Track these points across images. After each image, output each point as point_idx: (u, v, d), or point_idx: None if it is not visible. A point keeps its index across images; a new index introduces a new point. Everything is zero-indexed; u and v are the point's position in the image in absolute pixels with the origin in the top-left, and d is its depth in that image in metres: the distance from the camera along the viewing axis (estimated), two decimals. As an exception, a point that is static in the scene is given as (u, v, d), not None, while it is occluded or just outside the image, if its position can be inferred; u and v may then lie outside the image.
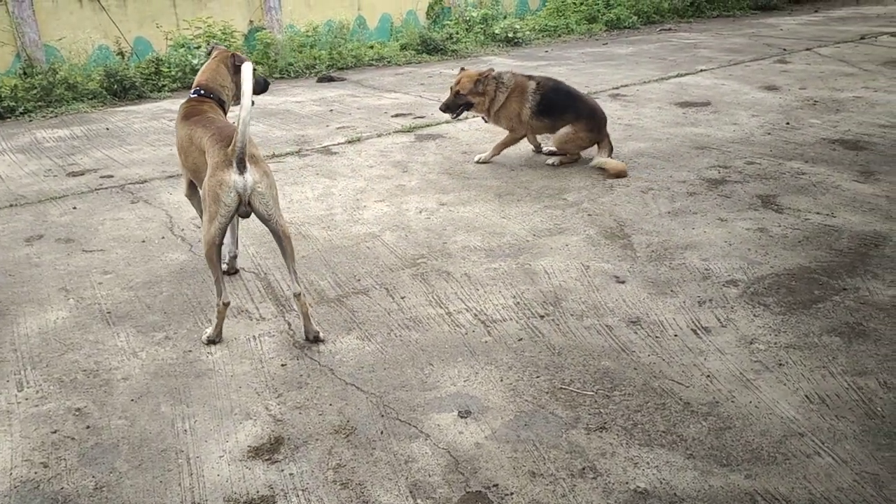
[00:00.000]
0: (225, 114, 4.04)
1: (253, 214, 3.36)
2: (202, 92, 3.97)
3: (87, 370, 3.37)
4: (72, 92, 9.31)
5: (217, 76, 4.06)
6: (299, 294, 3.47)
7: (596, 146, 6.04)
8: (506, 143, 6.14)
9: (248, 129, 3.19)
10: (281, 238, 3.44)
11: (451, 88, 5.93)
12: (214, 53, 4.17)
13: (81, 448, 2.85)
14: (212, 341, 3.56)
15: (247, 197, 3.28)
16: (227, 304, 3.50)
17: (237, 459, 2.76)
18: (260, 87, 4.32)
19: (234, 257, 4.29)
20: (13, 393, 3.21)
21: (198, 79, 4.05)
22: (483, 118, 6.27)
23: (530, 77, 5.99)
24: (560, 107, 5.90)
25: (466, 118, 7.31)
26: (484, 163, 6.16)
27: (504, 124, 6.05)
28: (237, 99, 3.98)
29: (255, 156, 3.37)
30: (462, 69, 6.03)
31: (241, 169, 3.24)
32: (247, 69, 3.28)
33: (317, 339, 3.54)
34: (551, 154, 6.26)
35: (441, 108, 6.02)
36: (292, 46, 11.39)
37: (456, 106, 5.91)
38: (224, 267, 4.14)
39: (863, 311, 3.60)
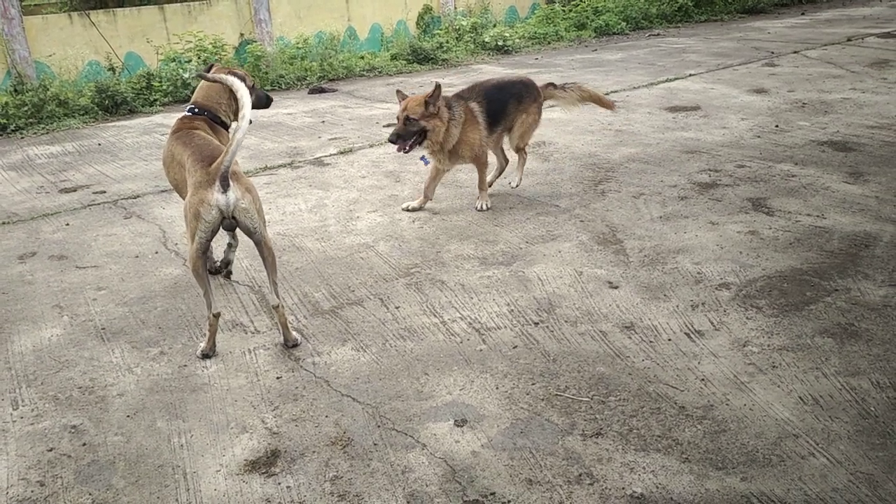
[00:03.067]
0: (226, 129, 4.11)
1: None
2: (196, 110, 4.03)
3: (83, 387, 3.37)
4: (63, 108, 9.32)
5: (213, 93, 4.11)
6: (277, 306, 3.56)
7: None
8: (485, 176, 5.39)
9: (238, 149, 3.23)
10: (264, 250, 3.52)
11: (398, 117, 4.92)
12: (213, 70, 4.19)
13: (78, 465, 2.84)
14: (206, 355, 3.57)
15: (230, 213, 3.35)
16: (217, 316, 3.52)
17: (234, 473, 2.76)
18: (262, 103, 4.44)
19: (229, 262, 4.41)
20: (8, 411, 3.20)
21: (194, 96, 4.11)
22: (425, 159, 5.30)
23: (464, 98, 5.19)
24: (502, 104, 5.34)
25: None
26: (485, 211, 5.31)
27: (468, 155, 5.17)
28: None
29: (237, 172, 3.44)
30: (398, 92, 5.13)
31: (225, 187, 3.31)
32: (244, 91, 3.33)
33: (296, 345, 3.62)
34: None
35: (390, 139, 4.91)
36: (283, 58, 11.43)
37: (409, 134, 4.84)
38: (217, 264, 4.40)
39: (854, 311, 3.62)
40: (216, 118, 4.09)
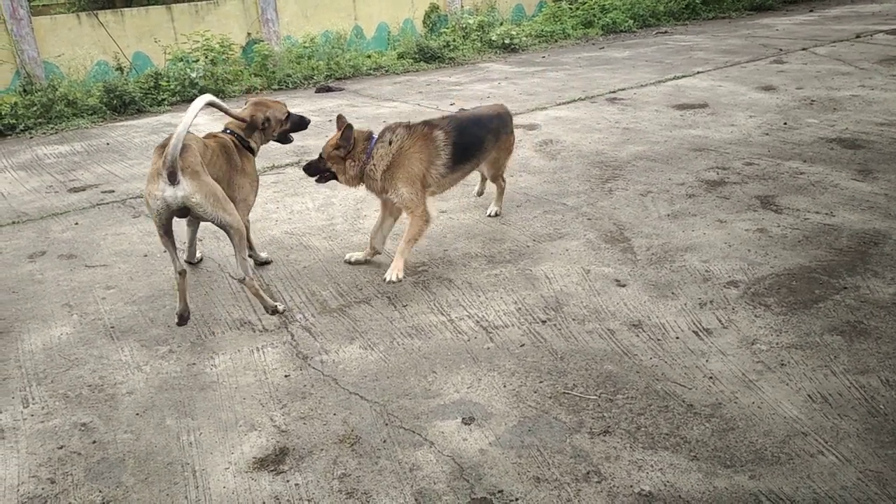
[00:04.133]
0: (252, 154, 4.37)
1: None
2: (228, 130, 4.31)
3: (92, 385, 3.38)
4: (72, 108, 9.37)
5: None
6: (243, 279, 3.80)
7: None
8: (414, 236, 4.33)
9: (179, 145, 3.46)
10: (229, 230, 3.72)
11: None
12: (250, 100, 4.52)
13: (88, 463, 2.86)
14: (181, 316, 3.84)
15: (176, 205, 3.57)
16: (182, 273, 3.79)
17: (243, 471, 2.77)
18: (296, 126, 4.61)
19: (199, 260, 4.72)
20: (19, 409, 3.22)
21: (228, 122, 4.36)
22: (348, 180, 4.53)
23: (431, 125, 4.42)
24: (478, 139, 4.62)
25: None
26: (396, 281, 4.28)
27: (396, 195, 4.27)
28: (273, 138, 4.51)
29: (193, 168, 3.59)
30: (339, 118, 4.43)
31: (172, 180, 3.52)
32: (196, 103, 3.63)
33: (275, 312, 3.92)
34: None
35: (303, 167, 4.57)
36: (290, 58, 11.45)
37: (318, 171, 4.40)
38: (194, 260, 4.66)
39: (864, 309, 3.61)
40: (243, 141, 4.29)
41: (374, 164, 4.24)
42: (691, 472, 2.60)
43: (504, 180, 5.17)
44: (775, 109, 7.63)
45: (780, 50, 11.23)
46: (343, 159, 4.26)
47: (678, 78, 9.63)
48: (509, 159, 5.14)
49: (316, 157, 4.43)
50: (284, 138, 4.57)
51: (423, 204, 4.28)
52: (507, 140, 4.94)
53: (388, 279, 4.23)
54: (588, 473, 2.63)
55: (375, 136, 4.34)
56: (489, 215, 5.15)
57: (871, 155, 5.93)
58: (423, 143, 4.29)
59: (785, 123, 7.05)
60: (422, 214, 4.27)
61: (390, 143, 4.25)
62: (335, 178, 4.35)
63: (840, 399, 2.95)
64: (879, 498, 2.44)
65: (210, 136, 4.22)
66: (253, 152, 4.38)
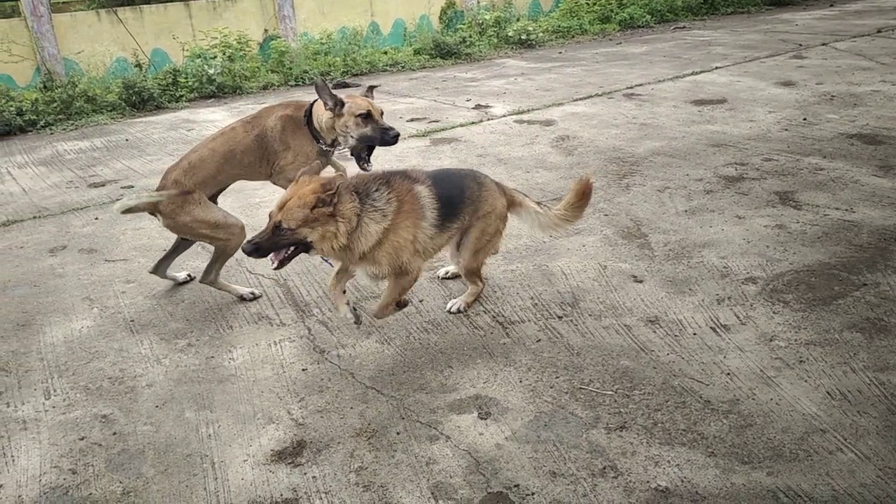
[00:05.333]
0: (317, 142, 4.06)
1: None
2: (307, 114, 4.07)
3: (113, 377, 3.42)
4: (91, 104, 9.46)
5: (324, 116, 4.01)
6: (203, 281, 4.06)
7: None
8: (397, 294, 3.49)
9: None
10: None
11: (271, 215, 3.13)
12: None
13: (108, 454, 2.89)
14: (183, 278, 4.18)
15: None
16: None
17: (261, 463, 2.79)
18: (380, 141, 3.98)
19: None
20: (41, 401, 3.27)
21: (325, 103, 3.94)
22: (328, 260, 3.89)
23: (409, 178, 3.43)
24: (458, 190, 3.59)
25: (488, 119, 7.30)
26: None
27: (388, 264, 3.32)
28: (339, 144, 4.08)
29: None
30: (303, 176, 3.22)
31: None
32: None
33: (254, 297, 4.09)
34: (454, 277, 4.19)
35: (244, 249, 3.18)
36: (307, 54, 11.49)
37: (278, 247, 3.14)
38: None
39: (884, 306, 3.57)
40: (314, 131, 4.04)
41: (362, 235, 3.17)
42: (708, 469, 2.60)
43: (482, 281, 3.89)
44: (795, 105, 7.56)
45: (800, 45, 11.12)
46: (332, 217, 3.07)
47: (696, 73, 9.56)
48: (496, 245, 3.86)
49: (267, 224, 3.09)
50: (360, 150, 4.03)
51: (416, 268, 3.42)
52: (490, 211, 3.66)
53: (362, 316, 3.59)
54: (604, 468, 2.63)
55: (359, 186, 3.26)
56: (446, 310, 3.86)
57: (891, 151, 5.86)
58: (411, 204, 3.32)
59: (804, 119, 6.98)
60: (413, 277, 3.42)
61: (382, 211, 3.21)
62: (305, 251, 3.17)
63: (859, 396, 2.93)
64: (899, 495, 2.42)
65: (292, 108, 4.11)
66: (317, 140, 4.04)
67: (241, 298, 4.10)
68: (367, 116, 3.90)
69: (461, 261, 3.74)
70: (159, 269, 4.28)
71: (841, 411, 2.85)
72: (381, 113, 4.00)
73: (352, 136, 3.95)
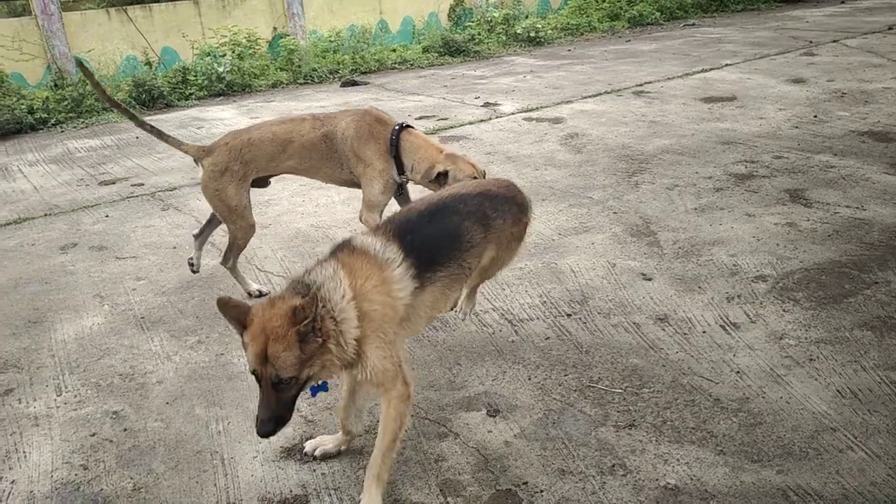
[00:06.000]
0: (400, 173, 3.92)
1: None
2: (396, 134, 3.92)
3: (123, 374, 3.44)
4: (101, 103, 9.49)
5: (418, 153, 3.90)
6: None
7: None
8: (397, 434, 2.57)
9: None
10: None
11: (256, 374, 2.34)
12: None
13: (119, 450, 2.91)
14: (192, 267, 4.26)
15: None
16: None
17: (270, 460, 2.80)
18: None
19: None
20: (52, 397, 3.29)
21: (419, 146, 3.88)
22: (315, 389, 2.65)
23: (350, 242, 2.62)
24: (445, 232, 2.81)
25: (497, 117, 7.29)
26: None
27: (374, 374, 2.50)
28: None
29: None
30: (225, 305, 2.37)
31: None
32: None
33: (260, 294, 4.09)
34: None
35: (263, 433, 2.34)
36: (316, 52, 11.51)
37: (288, 405, 2.41)
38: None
39: (895, 304, 3.55)
40: (398, 160, 3.89)
41: (339, 335, 2.36)
42: (718, 467, 2.59)
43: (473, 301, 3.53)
44: (805, 102, 7.52)
45: (811, 42, 11.05)
46: (324, 343, 2.32)
47: (706, 71, 9.52)
48: (509, 262, 3.24)
49: (260, 388, 2.36)
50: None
51: (400, 371, 2.56)
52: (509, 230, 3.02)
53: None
54: (613, 466, 2.63)
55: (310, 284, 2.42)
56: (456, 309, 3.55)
57: (903, 148, 5.82)
58: (364, 268, 2.50)
59: (815, 116, 6.94)
60: (401, 388, 2.55)
61: (340, 293, 2.39)
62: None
63: (870, 394, 2.91)
64: (910, 494, 2.41)
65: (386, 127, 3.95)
66: (401, 172, 3.96)
67: (249, 294, 4.11)
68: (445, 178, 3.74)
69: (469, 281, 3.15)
70: (200, 235, 4.34)
71: (851, 409, 2.83)
72: (484, 175, 3.77)
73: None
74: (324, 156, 3.97)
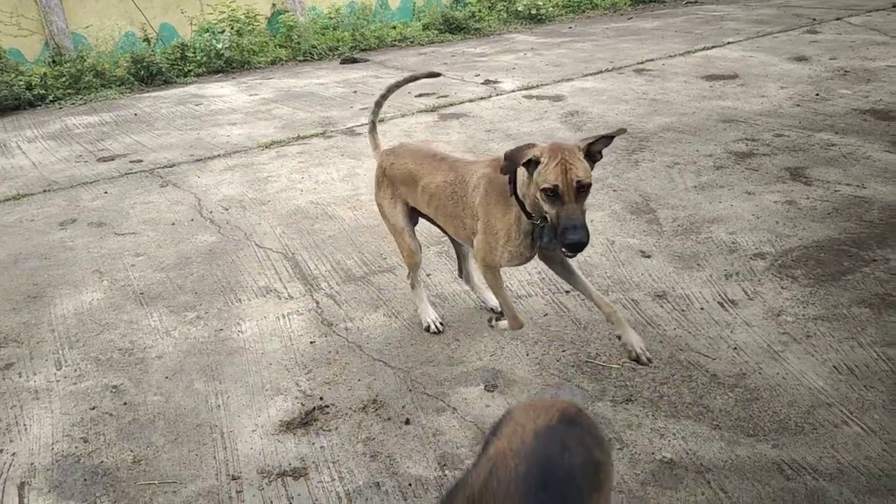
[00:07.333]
0: (523, 210, 2.75)
1: None
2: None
3: (123, 349, 3.46)
4: (100, 79, 9.45)
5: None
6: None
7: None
8: None
9: None
10: None
11: None
12: None
13: (119, 423, 2.93)
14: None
15: None
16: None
17: (269, 433, 2.82)
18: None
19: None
20: (52, 371, 3.31)
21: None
22: None
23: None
24: None
25: (497, 94, 7.25)
26: None
27: None
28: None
29: None
30: None
31: None
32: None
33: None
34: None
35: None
36: (315, 29, 11.42)
37: None
38: None
39: (893, 281, 3.56)
40: (516, 193, 2.70)
41: None
42: (713, 441, 2.61)
43: None
44: (807, 80, 7.48)
45: (814, 20, 10.96)
46: None
47: (708, 48, 9.45)
48: None
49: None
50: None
51: None
52: None
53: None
54: (610, 440, 2.64)
55: None
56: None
57: (905, 127, 5.80)
58: None
59: (817, 94, 6.91)
60: None
61: None
62: None
63: (866, 370, 2.93)
64: (904, 469, 2.42)
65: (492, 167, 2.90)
66: (523, 208, 2.74)
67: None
68: (554, 194, 2.50)
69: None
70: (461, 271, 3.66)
71: (847, 385, 2.85)
72: (577, 186, 2.49)
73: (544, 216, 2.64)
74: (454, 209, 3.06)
